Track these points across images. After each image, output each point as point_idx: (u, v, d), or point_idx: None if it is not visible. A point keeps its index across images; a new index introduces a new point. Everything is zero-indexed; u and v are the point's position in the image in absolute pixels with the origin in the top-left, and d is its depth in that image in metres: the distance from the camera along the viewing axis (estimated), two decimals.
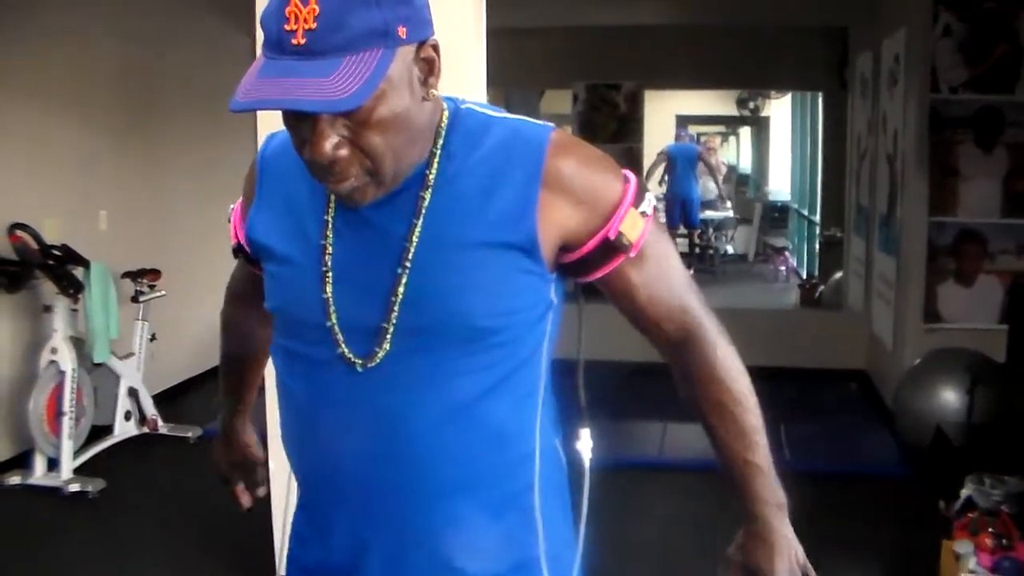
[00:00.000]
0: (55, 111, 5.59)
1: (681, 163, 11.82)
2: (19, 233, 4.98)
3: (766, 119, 15.18)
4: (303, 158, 1.26)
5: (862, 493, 5.07)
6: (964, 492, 3.88)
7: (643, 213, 1.36)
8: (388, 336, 1.32)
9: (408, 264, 1.31)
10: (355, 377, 1.34)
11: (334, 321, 1.35)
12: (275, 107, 1.17)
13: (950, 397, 4.95)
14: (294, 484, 1.53)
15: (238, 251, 1.60)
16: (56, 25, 5.46)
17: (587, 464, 1.41)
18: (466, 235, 1.31)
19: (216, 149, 6.62)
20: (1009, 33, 5.54)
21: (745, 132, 16.31)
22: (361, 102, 1.16)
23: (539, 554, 1.42)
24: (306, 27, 1.15)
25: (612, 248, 1.35)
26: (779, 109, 14.36)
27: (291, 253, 1.40)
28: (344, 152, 1.22)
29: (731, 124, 15.88)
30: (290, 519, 1.57)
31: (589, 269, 1.37)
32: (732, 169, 15.90)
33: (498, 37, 3.55)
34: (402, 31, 1.20)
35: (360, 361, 1.33)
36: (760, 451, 1.54)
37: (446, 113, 1.36)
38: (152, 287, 5.83)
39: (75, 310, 5.23)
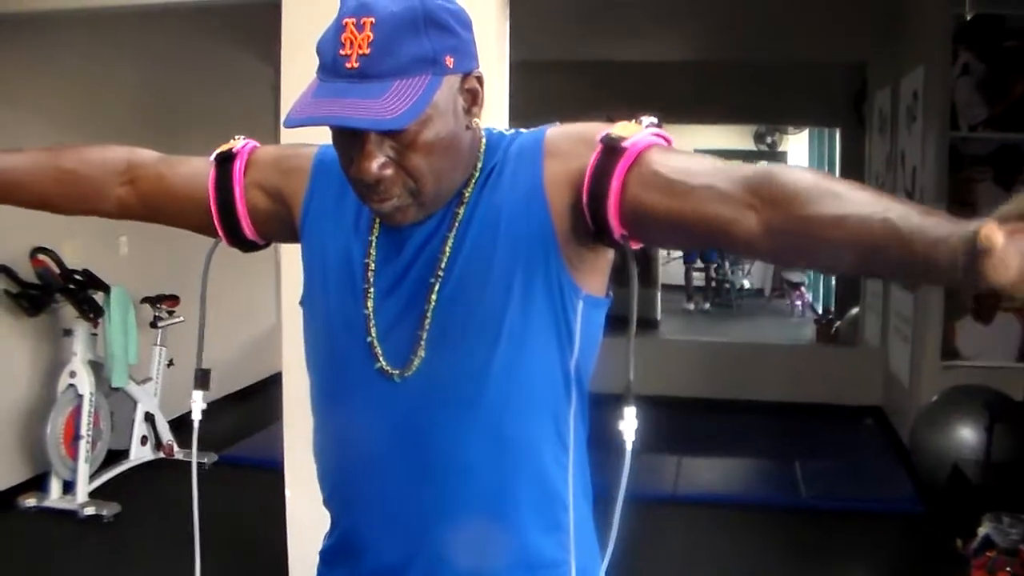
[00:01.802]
0: (76, 133, 5.62)
1: None
2: (41, 257, 5.02)
3: (783, 154, 15.18)
4: (349, 176, 1.32)
5: (878, 530, 5.04)
6: (982, 531, 3.86)
7: (638, 122, 1.31)
8: (422, 343, 1.35)
9: (441, 274, 1.36)
10: (394, 390, 1.37)
11: (374, 336, 1.38)
12: (328, 124, 1.25)
13: (967, 435, 4.93)
14: (311, 511, 1.54)
15: (224, 168, 1.54)
16: (76, 46, 5.51)
17: (629, 447, 1.32)
18: (494, 245, 1.34)
19: None
20: None
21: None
22: (409, 122, 1.23)
23: (570, 567, 1.43)
24: (360, 52, 1.22)
25: (609, 152, 1.27)
26: (796, 144, 14.38)
27: (338, 271, 1.43)
28: (389, 172, 1.28)
29: (749, 159, 15.90)
30: (305, 545, 1.58)
31: (603, 198, 1.26)
32: None
33: (520, 71, 3.58)
34: (449, 60, 1.27)
35: (397, 372, 1.37)
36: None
37: (484, 141, 1.41)
38: (171, 313, 5.86)
39: (95, 334, 5.26)
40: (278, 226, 1.55)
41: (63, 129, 5.56)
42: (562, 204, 1.33)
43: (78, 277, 5.18)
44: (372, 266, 1.41)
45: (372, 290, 1.40)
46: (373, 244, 1.41)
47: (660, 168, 1.25)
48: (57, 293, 5.15)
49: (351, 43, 1.23)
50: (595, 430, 1.49)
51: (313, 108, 1.24)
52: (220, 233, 1.54)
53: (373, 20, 1.23)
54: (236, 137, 1.56)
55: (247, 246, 1.59)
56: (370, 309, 1.39)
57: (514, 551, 1.40)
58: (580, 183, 1.29)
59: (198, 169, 1.55)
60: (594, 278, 1.39)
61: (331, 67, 1.25)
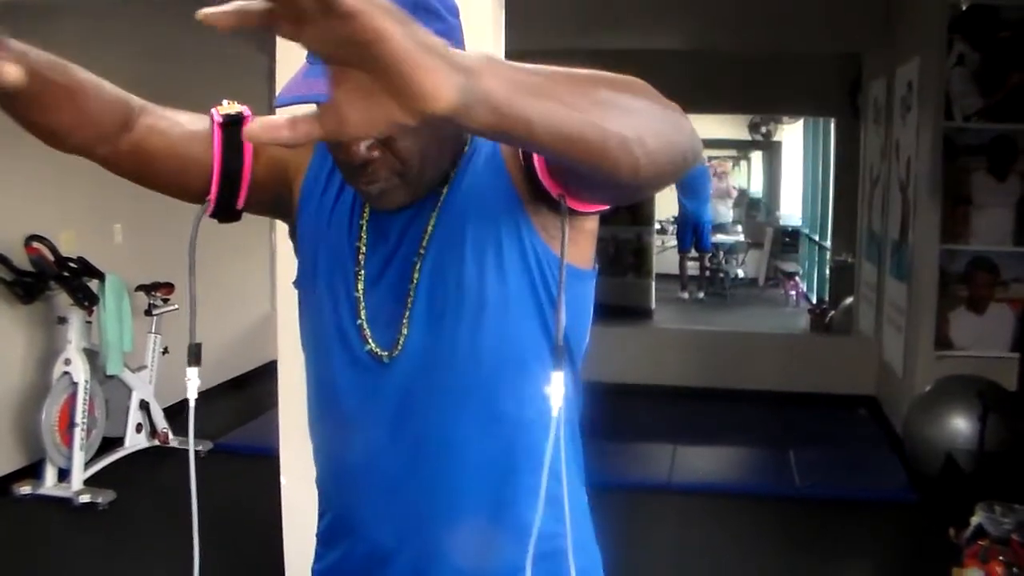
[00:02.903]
0: None
1: (694, 184, 11.83)
2: (36, 245, 5.02)
3: (778, 144, 15.20)
4: (337, 159, 1.32)
5: (871, 519, 5.06)
6: (974, 520, 3.88)
7: None
8: (404, 321, 1.37)
9: (422, 252, 1.37)
10: (383, 371, 1.38)
11: (363, 319, 1.40)
12: (319, 101, 1.19)
13: (961, 424, 4.95)
14: (307, 499, 1.55)
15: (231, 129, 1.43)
16: (73, 37, 5.49)
17: (555, 413, 1.24)
18: (467, 218, 1.36)
19: None
20: (1023, 63, 5.56)
21: (757, 156, 16.34)
22: None
23: (566, 544, 1.42)
24: None
25: None
26: (791, 134, 14.38)
27: (331, 253, 1.44)
28: (377, 154, 1.28)
29: (743, 148, 15.91)
30: (301, 533, 1.59)
31: (529, 156, 1.27)
32: (743, 193, 15.92)
33: (515, 59, 3.57)
34: None
35: (385, 354, 1.38)
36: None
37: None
38: (165, 301, 5.86)
39: (89, 322, 5.26)
40: (270, 200, 1.51)
41: None
42: (516, 171, 1.34)
43: (72, 265, 5.18)
44: (363, 249, 1.41)
45: (363, 273, 1.41)
46: (364, 228, 1.42)
47: None
48: (51, 281, 5.14)
49: None
50: (594, 419, 1.50)
51: (305, 87, 1.23)
52: (212, 200, 1.44)
53: None
54: (227, 101, 1.46)
55: (226, 217, 1.49)
56: (360, 292, 1.41)
57: (510, 525, 1.40)
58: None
59: (196, 128, 1.45)
60: (575, 249, 1.37)
61: None
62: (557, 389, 1.26)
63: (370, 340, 1.39)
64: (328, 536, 1.54)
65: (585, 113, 0.95)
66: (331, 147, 1.33)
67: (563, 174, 1.25)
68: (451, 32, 1.31)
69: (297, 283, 1.52)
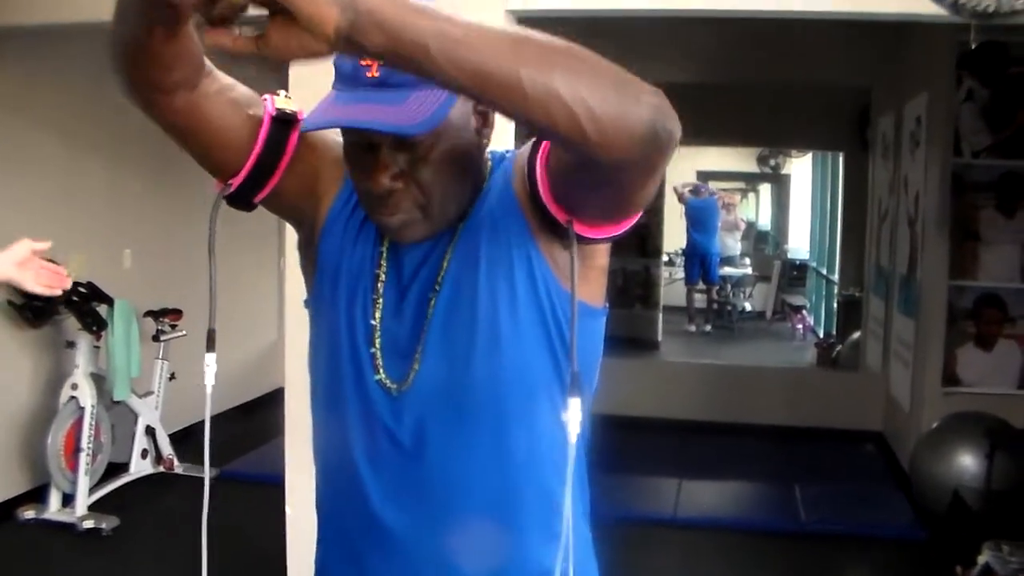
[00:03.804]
0: (84, 148, 5.66)
1: (702, 217, 11.87)
2: None
3: (786, 177, 15.22)
4: (360, 188, 1.33)
5: (878, 556, 5.03)
6: (981, 558, 3.85)
7: None
8: (417, 356, 1.37)
9: (437, 288, 1.37)
10: (391, 403, 1.38)
11: (377, 347, 1.39)
12: (348, 126, 1.26)
13: (968, 462, 4.92)
14: (312, 529, 1.54)
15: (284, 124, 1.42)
16: (86, 60, 5.53)
17: (572, 439, 1.25)
18: (480, 253, 1.36)
19: None
20: None
21: (765, 189, 16.35)
22: (430, 129, 1.24)
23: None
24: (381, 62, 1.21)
25: (535, 142, 1.32)
26: (800, 167, 14.40)
27: (351, 277, 1.43)
28: (401, 185, 1.29)
29: (751, 181, 15.93)
30: (306, 563, 1.58)
31: (535, 182, 1.29)
32: (751, 226, 15.93)
33: None
34: None
35: (395, 386, 1.38)
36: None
37: (490, 164, 1.43)
38: (173, 327, 5.87)
39: (97, 347, 5.27)
40: (289, 207, 1.51)
41: (76, 142, 5.60)
42: (525, 200, 1.35)
43: (82, 289, 5.19)
44: (383, 277, 1.41)
45: (381, 301, 1.41)
46: (384, 255, 1.42)
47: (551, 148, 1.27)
48: (60, 305, 5.15)
49: None
50: (599, 452, 1.49)
51: (333, 112, 1.25)
52: (236, 185, 1.44)
53: None
54: (282, 93, 1.44)
55: (241, 204, 1.48)
56: (377, 320, 1.40)
57: (514, 562, 1.40)
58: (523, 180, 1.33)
59: (250, 112, 1.42)
60: (586, 286, 1.37)
61: (350, 76, 1.26)
62: (575, 415, 1.25)
63: (381, 370, 1.39)
64: (324, 564, 1.53)
65: (499, 55, 1.00)
66: (355, 178, 1.34)
67: (567, 194, 1.26)
68: None
69: (310, 303, 1.51)
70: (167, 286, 6.19)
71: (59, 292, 2.76)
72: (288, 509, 3.62)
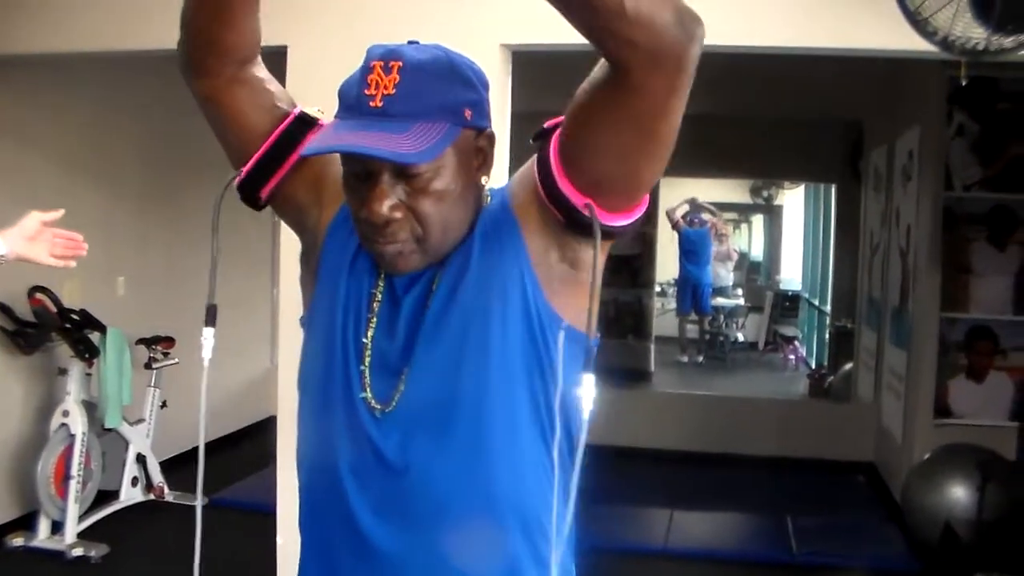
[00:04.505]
0: (78, 174, 5.68)
1: (695, 247, 11.89)
2: (39, 296, 5.03)
3: (779, 208, 15.26)
4: (358, 218, 1.35)
5: None
6: None
7: None
8: (402, 378, 1.38)
9: (427, 311, 1.39)
10: (375, 424, 1.39)
11: (367, 366, 1.41)
12: (349, 152, 1.28)
13: (960, 493, 4.93)
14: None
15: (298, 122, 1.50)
16: (86, 89, 5.57)
17: (586, 415, 1.25)
18: (471, 276, 1.37)
19: (236, 222, 6.66)
20: (1023, 134, 5.61)
21: (758, 220, 16.40)
22: (431, 159, 1.26)
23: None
24: (385, 92, 1.27)
25: (541, 140, 1.35)
26: (792, 198, 14.45)
27: (348, 296, 1.45)
28: (399, 215, 1.32)
29: (744, 212, 15.97)
30: None
31: (550, 172, 1.32)
32: (744, 257, 15.96)
33: (522, 120, 3.63)
34: (468, 113, 1.32)
35: (379, 408, 1.39)
36: None
37: (488, 200, 1.45)
38: (166, 354, 5.86)
39: (89, 374, 5.26)
40: (294, 209, 1.55)
41: (72, 169, 5.62)
42: (530, 218, 1.37)
43: (75, 317, 5.19)
44: (378, 296, 1.43)
45: (375, 320, 1.42)
46: (382, 277, 1.44)
47: (565, 116, 1.31)
48: (53, 332, 5.15)
49: (377, 84, 1.28)
50: (590, 482, 1.49)
51: (335, 139, 1.28)
52: (245, 172, 1.50)
53: (401, 64, 1.28)
54: (320, 110, 1.52)
55: (251, 199, 1.53)
56: (368, 339, 1.42)
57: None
58: (534, 183, 1.34)
59: (278, 106, 1.50)
60: (576, 307, 1.38)
61: (354, 105, 1.29)
62: (588, 391, 1.26)
63: (368, 388, 1.40)
64: None
65: None
66: (354, 206, 1.35)
67: (586, 160, 1.28)
68: (481, 104, 1.36)
69: (305, 320, 1.53)
70: (160, 314, 6.19)
71: (73, 264, 2.61)
72: (279, 538, 3.61)
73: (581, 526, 1.51)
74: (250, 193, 1.52)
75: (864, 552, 5.45)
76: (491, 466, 1.38)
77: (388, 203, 1.31)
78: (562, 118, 1.33)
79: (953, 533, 4.65)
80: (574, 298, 1.38)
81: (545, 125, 1.35)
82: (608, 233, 1.32)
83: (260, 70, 1.50)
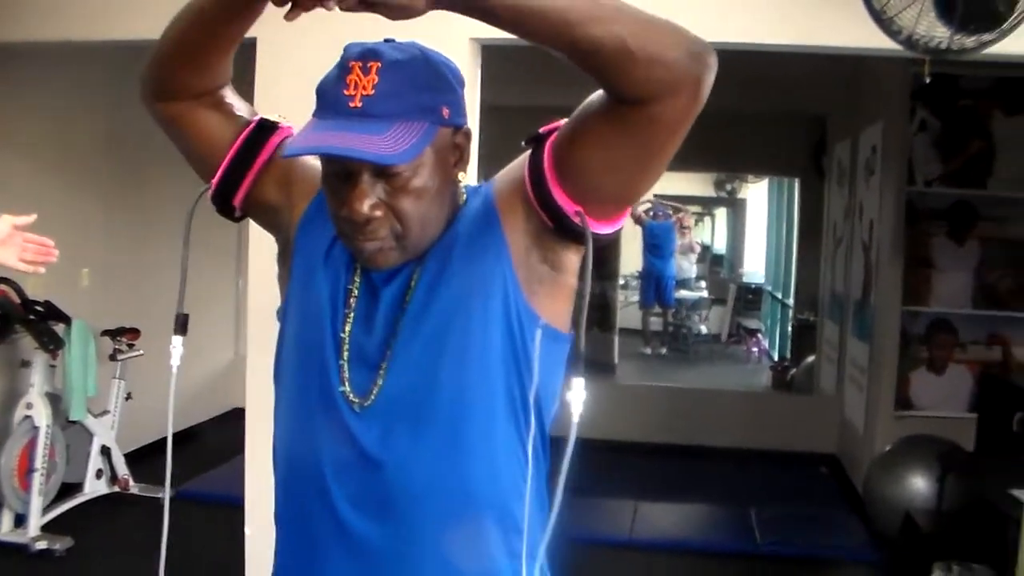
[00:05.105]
0: (43, 167, 5.63)
1: (659, 241, 11.94)
2: (2, 287, 4.98)
3: (742, 201, 15.35)
4: (338, 215, 1.36)
5: None
6: None
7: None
8: (380, 372, 1.40)
9: (407, 305, 1.40)
10: (353, 418, 1.40)
11: (345, 359, 1.42)
12: (330, 153, 1.29)
13: (920, 484, 5.00)
14: (271, 550, 1.55)
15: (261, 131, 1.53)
16: (46, 80, 5.51)
17: (576, 418, 1.25)
18: (451, 272, 1.39)
19: (201, 215, 6.61)
20: (983, 132, 5.70)
21: (721, 213, 16.49)
22: (410, 159, 1.28)
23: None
24: (364, 93, 1.28)
25: (535, 144, 1.37)
26: (756, 192, 14.54)
27: (322, 290, 1.46)
28: (379, 213, 1.33)
29: (707, 205, 16.05)
30: None
31: (542, 178, 1.34)
32: (707, 249, 16.05)
33: (490, 115, 3.65)
34: (446, 111, 1.34)
35: (357, 401, 1.40)
36: None
37: (465, 196, 1.47)
38: (131, 346, 5.82)
39: (53, 366, 5.21)
40: (267, 211, 1.57)
41: (37, 161, 5.56)
42: (515, 219, 1.39)
43: (39, 308, 5.14)
44: (355, 292, 1.44)
45: (352, 315, 1.43)
46: (358, 272, 1.45)
47: (564, 125, 1.35)
48: (17, 324, 5.10)
49: (355, 84, 1.29)
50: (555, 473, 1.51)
51: (315, 139, 1.29)
52: (214, 184, 1.53)
53: (379, 64, 1.29)
54: (280, 116, 1.55)
55: (226, 209, 1.56)
56: (346, 333, 1.43)
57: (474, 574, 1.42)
58: (523, 184, 1.36)
59: (238, 119, 1.53)
60: (553, 307, 1.41)
61: (332, 106, 1.30)
62: (578, 394, 1.28)
63: (347, 382, 1.41)
64: (283, 569, 1.53)
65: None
66: (333, 205, 1.36)
67: (583, 171, 1.31)
68: (458, 102, 1.38)
69: (281, 313, 1.54)
70: (124, 305, 6.15)
71: (42, 271, 2.58)
72: (247, 530, 3.60)
73: (555, 518, 1.53)
74: (223, 203, 1.54)
75: (826, 542, 5.52)
76: (468, 460, 1.40)
77: (368, 202, 1.32)
78: (557, 124, 1.36)
79: (913, 523, 4.72)
80: (552, 298, 1.41)
81: (540, 130, 1.37)
82: (594, 239, 1.34)
83: (227, 93, 1.53)
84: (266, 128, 1.52)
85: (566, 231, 1.35)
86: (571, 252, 1.40)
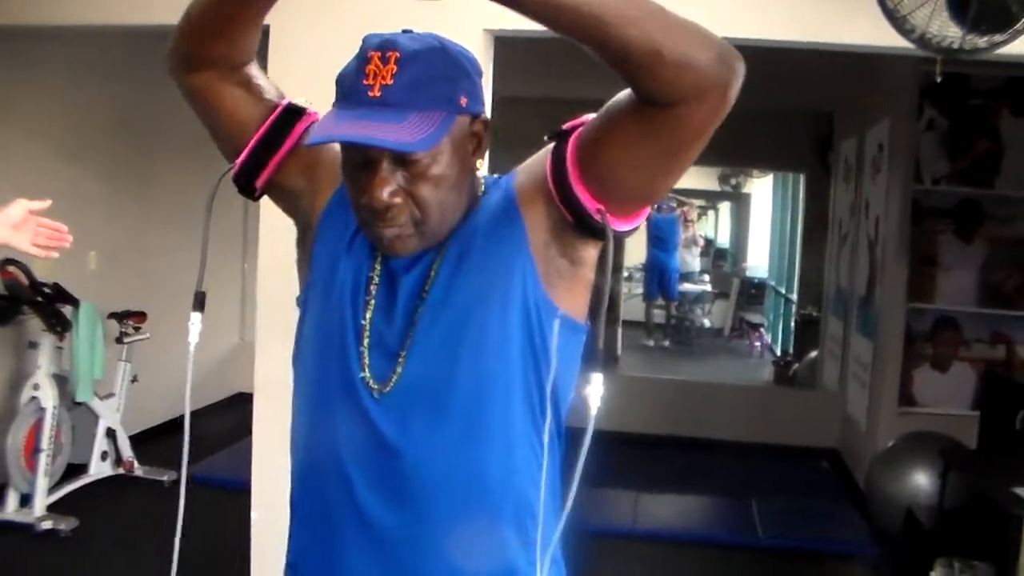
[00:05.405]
0: (53, 149, 5.64)
1: (663, 234, 11.96)
2: (11, 269, 5.00)
3: (747, 195, 15.36)
4: (358, 204, 1.38)
5: (832, 572, 5.12)
6: (933, 575, 3.93)
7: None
8: (400, 360, 1.41)
9: (426, 294, 1.42)
10: (373, 404, 1.42)
11: (366, 346, 1.44)
12: (352, 141, 1.30)
13: (922, 480, 5.02)
14: (278, 535, 1.57)
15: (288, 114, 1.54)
16: (57, 62, 5.52)
17: (593, 412, 1.28)
18: (471, 264, 1.41)
19: (204, 198, 6.61)
20: (991, 131, 5.70)
21: (725, 207, 16.49)
22: (430, 147, 1.30)
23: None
24: (383, 83, 1.30)
25: (558, 140, 1.38)
26: (760, 186, 14.54)
27: (346, 277, 1.48)
28: (399, 200, 1.35)
29: (711, 199, 16.06)
30: (270, 569, 1.59)
31: (565, 175, 1.35)
32: (710, 243, 16.06)
33: (502, 106, 3.66)
34: (463, 100, 1.35)
35: (377, 388, 1.42)
36: None
37: (484, 186, 1.49)
38: (137, 329, 5.85)
39: (60, 348, 5.24)
40: (289, 196, 1.59)
41: (46, 144, 5.58)
42: (536, 212, 1.40)
43: (47, 290, 5.17)
44: (375, 279, 1.46)
45: (373, 302, 1.45)
46: (379, 260, 1.47)
47: (589, 123, 1.35)
48: (25, 305, 5.13)
49: (375, 74, 1.30)
50: (569, 465, 1.53)
51: (336, 128, 1.30)
52: (238, 164, 1.54)
53: (398, 54, 1.31)
54: (307, 101, 1.57)
55: (246, 190, 1.57)
56: (367, 320, 1.45)
57: (488, 561, 1.44)
58: (545, 180, 1.38)
59: (267, 100, 1.54)
60: (571, 299, 1.44)
61: (352, 95, 1.32)
62: (596, 389, 1.30)
63: (367, 368, 1.43)
64: (300, 553, 1.55)
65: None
66: (353, 193, 1.38)
67: (607, 169, 1.32)
68: (476, 91, 1.40)
69: (301, 300, 1.56)
70: (132, 289, 6.18)
71: (55, 255, 2.56)
72: (254, 514, 3.62)
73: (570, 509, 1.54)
74: (245, 183, 1.56)
75: (827, 536, 5.54)
76: (484, 449, 1.42)
77: (388, 189, 1.34)
78: (581, 120, 1.37)
79: (915, 519, 4.73)
80: (570, 291, 1.44)
81: (563, 127, 1.38)
82: (613, 236, 1.36)
83: (252, 69, 1.54)
84: (293, 113, 1.53)
85: (586, 227, 1.37)
86: (589, 247, 1.42)
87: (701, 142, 1.30)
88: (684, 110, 1.23)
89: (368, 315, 1.45)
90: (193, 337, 1.51)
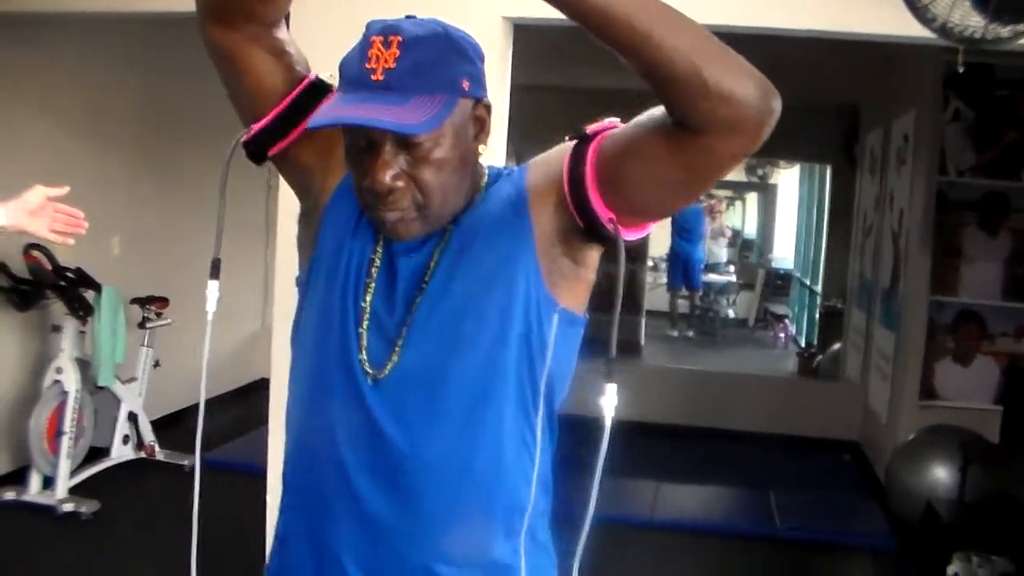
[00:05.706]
0: (76, 134, 5.68)
1: (687, 224, 11.91)
2: (35, 253, 5.04)
3: (774, 186, 15.29)
4: (361, 188, 1.38)
5: (850, 563, 5.10)
6: (951, 569, 3.92)
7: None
8: (397, 348, 1.42)
9: (424, 285, 1.43)
10: (368, 388, 1.42)
11: (364, 328, 1.44)
12: (355, 124, 1.31)
13: (942, 474, 4.99)
14: None
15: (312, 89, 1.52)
16: (80, 49, 5.55)
17: (608, 422, 1.32)
18: (473, 254, 1.42)
19: (231, 183, 6.62)
20: (1018, 122, 5.64)
21: (752, 198, 16.42)
22: (432, 129, 1.30)
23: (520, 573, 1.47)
24: (386, 66, 1.30)
25: (580, 142, 1.38)
26: (787, 178, 14.47)
27: (349, 259, 1.48)
28: (401, 183, 1.35)
29: (739, 189, 15.99)
30: None
31: (582, 179, 1.35)
32: (737, 234, 16.00)
33: (521, 93, 3.65)
34: (466, 84, 1.36)
35: (372, 373, 1.42)
36: None
37: (487, 174, 1.50)
38: (159, 314, 5.89)
39: (83, 332, 5.28)
40: (299, 171, 1.58)
41: (69, 129, 5.61)
42: (545, 212, 1.41)
43: (70, 275, 5.21)
44: (377, 262, 1.47)
45: (373, 285, 1.46)
46: (381, 243, 1.47)
47: (616, 133, 1.35)
48: (48, 290, 5.17)
49: (377, 58, 1.31)
50: (580, 454, 1.53)
51: (339, 111, 1.32)
52: (255, 130, 1.52)
53: (400, 39, 1.31)
54: (332, 75, 1.52)
55: (256, 155, 1.55)
56: (367, 303, 1.45)
57: (475, 549, 1.45)
58: (560, 180, 1.37)
59: (294, 69, 1.52)
60: (571, 296, 1.44)
61: (356, 80, 1.33)
62: (610, 400, 1.32)
63: (365, 351, 1.43)
64: (288, 530, 1.56)
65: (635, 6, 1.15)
66: (356, 178, 1.39)
67: (625, 182, 1.32)
68: (478, 75, 1.40)
69: (302, 280, 1.56)
70: (154, 274, 6.21)
71: (71, 242, 2.60)
72: (269, 499, 3.64)
73: (564, 497, 1.55)
74: (256, 150, 1.54)
75: (845, 528, 5.52)
76: (477, 440, 1.42)
77: (390, 172, 1.34)
78: (605, 124, 1.37)
79: (934, 513, 4.71)
80: (571, 290, 1.45)
81: (587, 130, 1.37)
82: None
83: (282, 32, 1.51)
84: (319, 88, 1.51)
85: (594, 233, 1.38)
86: (594, 250, 1.44)
87: (724, 172, 1.31)
88: (716, 140, 1.23)
89: (368, 297, 1.45)
90: (211, 305, 1.52)
